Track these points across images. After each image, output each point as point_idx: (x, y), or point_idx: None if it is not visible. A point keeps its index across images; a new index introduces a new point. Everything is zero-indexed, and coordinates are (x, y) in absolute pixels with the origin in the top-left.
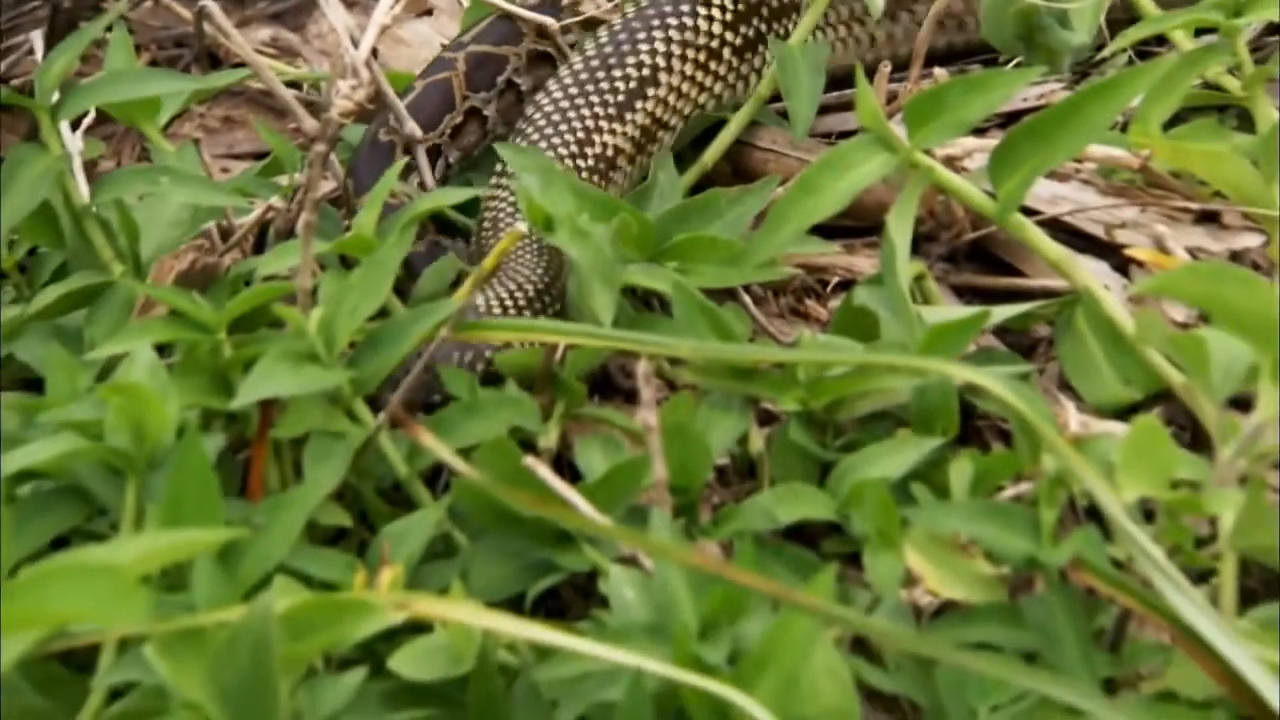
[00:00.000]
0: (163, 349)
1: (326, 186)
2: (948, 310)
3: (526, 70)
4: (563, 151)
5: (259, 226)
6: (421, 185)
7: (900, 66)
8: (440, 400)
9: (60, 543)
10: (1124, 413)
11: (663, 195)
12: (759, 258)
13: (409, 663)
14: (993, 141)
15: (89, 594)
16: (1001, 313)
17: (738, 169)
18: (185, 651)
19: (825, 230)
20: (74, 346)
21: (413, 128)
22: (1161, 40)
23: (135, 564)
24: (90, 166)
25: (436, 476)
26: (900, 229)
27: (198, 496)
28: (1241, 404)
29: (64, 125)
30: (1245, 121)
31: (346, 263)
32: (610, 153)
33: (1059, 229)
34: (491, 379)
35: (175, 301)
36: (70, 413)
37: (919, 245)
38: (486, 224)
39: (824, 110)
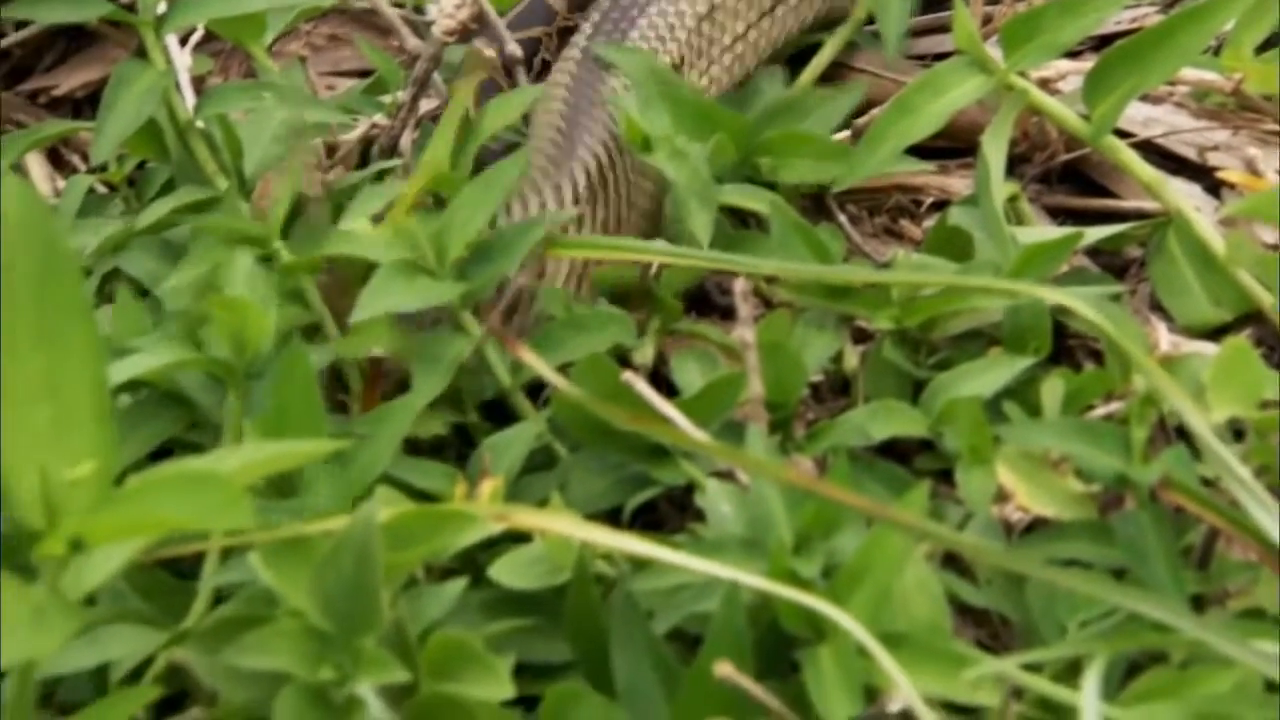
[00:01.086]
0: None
1: (429, 104)
2: (1041, 231)
3: None
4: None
5: (363, 143)
6: None
7: None
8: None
9: (160, 452)
10: (1214, 333)
11: (762, 99)
12: (856, 176)
13: (508, 572)
14: (1087, 64)
15: (195, 501)
16: (1094, 234)
17: None
18: (289, 559)
19: (920, 151)
20: (180, 259)
21: (514, 48)
22: None
23: (240, 473)
24: (198, 83)
25: (534, 392)
26: (995, 150)
27: (301, 407)
28: None
29: (172, 41)
30: None
31: None
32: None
33: (1151, 151)
34: None
35: (223, 216)
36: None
37: (1013, 166)
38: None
39: (920, 32)
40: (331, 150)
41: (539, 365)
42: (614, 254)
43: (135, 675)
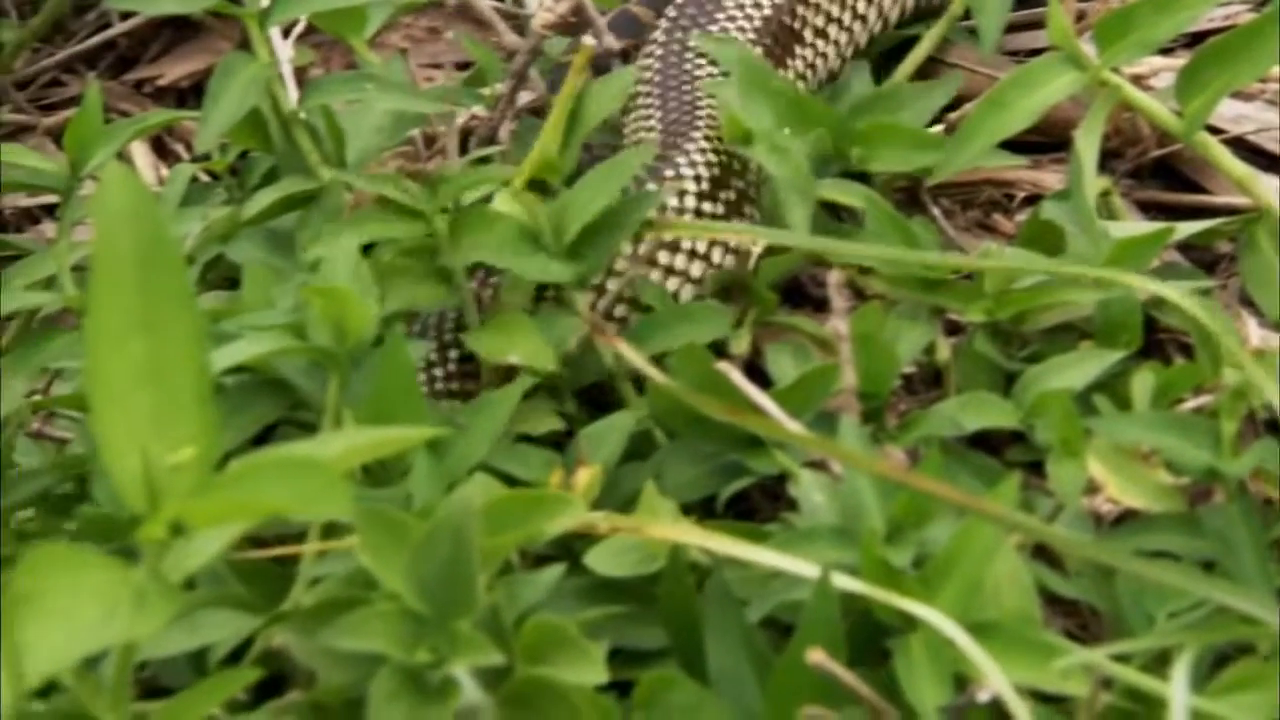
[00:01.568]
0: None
1: (527, 96)
2: (1133, 225)
3: None
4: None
5: (462, 134)
6: None
7: None
8: None
9: (263, 434)
10: None
11: (852, 94)
12: (949, 170)
13: (603, 560)
14: (1179, 61)
15: (295, 487)
16: (1185, 229)
17: None
18: (387, 543)
19: (1013, 145)
20: (285, 249)
21: (611, 42)
22: None
23: (340, 459)
24: (300, 74)
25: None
26: (1088, 145)
27: (400, 394)
28: None
29: (275, 34)
30: None
31: None
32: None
33: (1242, 147)
34: None
35: (393, 192)
36: (272, 314)
37: (1105, 161)
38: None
39: (1014, 28)
40: (431, 141)
41: (634, 357)
42: (718, 233)
43: (234, 658)
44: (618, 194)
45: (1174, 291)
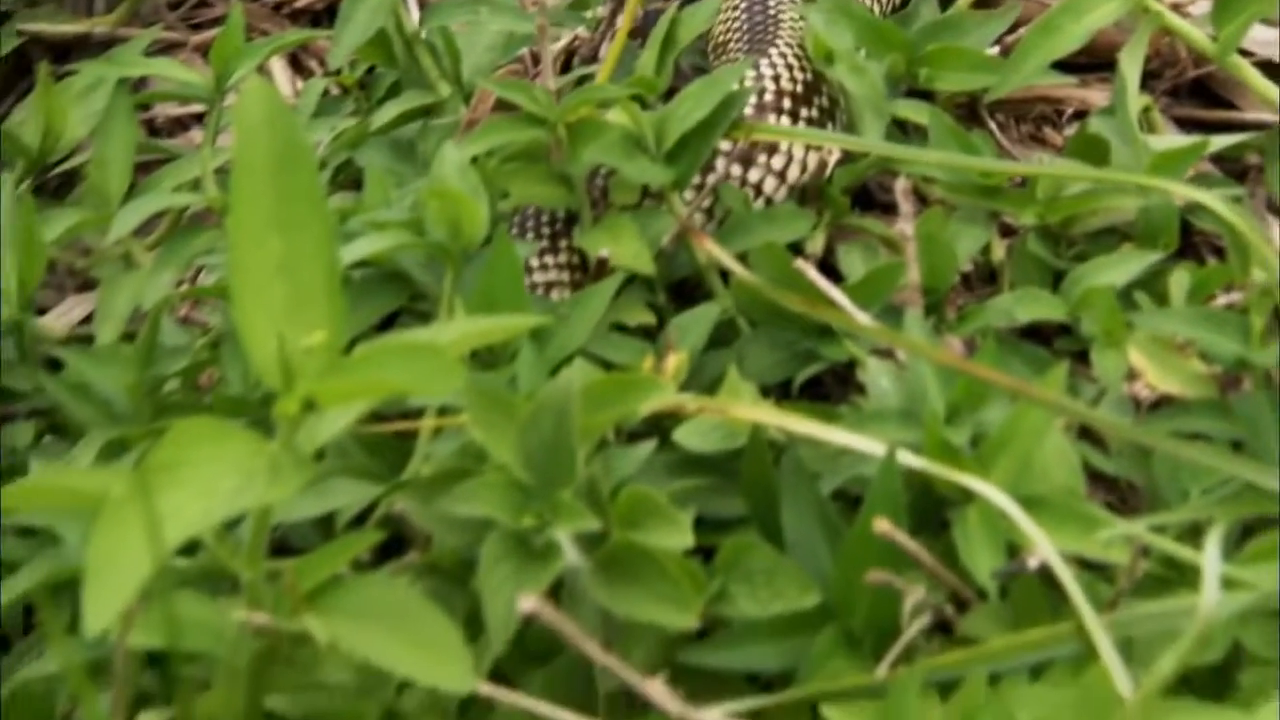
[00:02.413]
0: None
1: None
2: (1171, 139)
3: None
4: None
5: (566, 54)
6: None
7: None
8: None
9: (386, 321)
10: None
11: (921, 20)
12: (1005, 88)
13: (691, 436)
14: None
15: (414, 369)
16: (1218, 142)
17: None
18: (497, 420)
19: (1063, 66)
20: (406, 156)
21: None
22: None
23: (455, 344)
24: None
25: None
26: (1131, 66)
27: (507, 287)
28: None
29: None
30: None
31: None
32: None
33: (1271, 69)
34: None
35: (525, 100)
36: (394, 213)
37: (1146, 81)
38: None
39: None
40: (537, 59)
41: (721, 254)
42: (796, 138)
43: (358, 522)
44: (714, 107)
45: (1208, 197)
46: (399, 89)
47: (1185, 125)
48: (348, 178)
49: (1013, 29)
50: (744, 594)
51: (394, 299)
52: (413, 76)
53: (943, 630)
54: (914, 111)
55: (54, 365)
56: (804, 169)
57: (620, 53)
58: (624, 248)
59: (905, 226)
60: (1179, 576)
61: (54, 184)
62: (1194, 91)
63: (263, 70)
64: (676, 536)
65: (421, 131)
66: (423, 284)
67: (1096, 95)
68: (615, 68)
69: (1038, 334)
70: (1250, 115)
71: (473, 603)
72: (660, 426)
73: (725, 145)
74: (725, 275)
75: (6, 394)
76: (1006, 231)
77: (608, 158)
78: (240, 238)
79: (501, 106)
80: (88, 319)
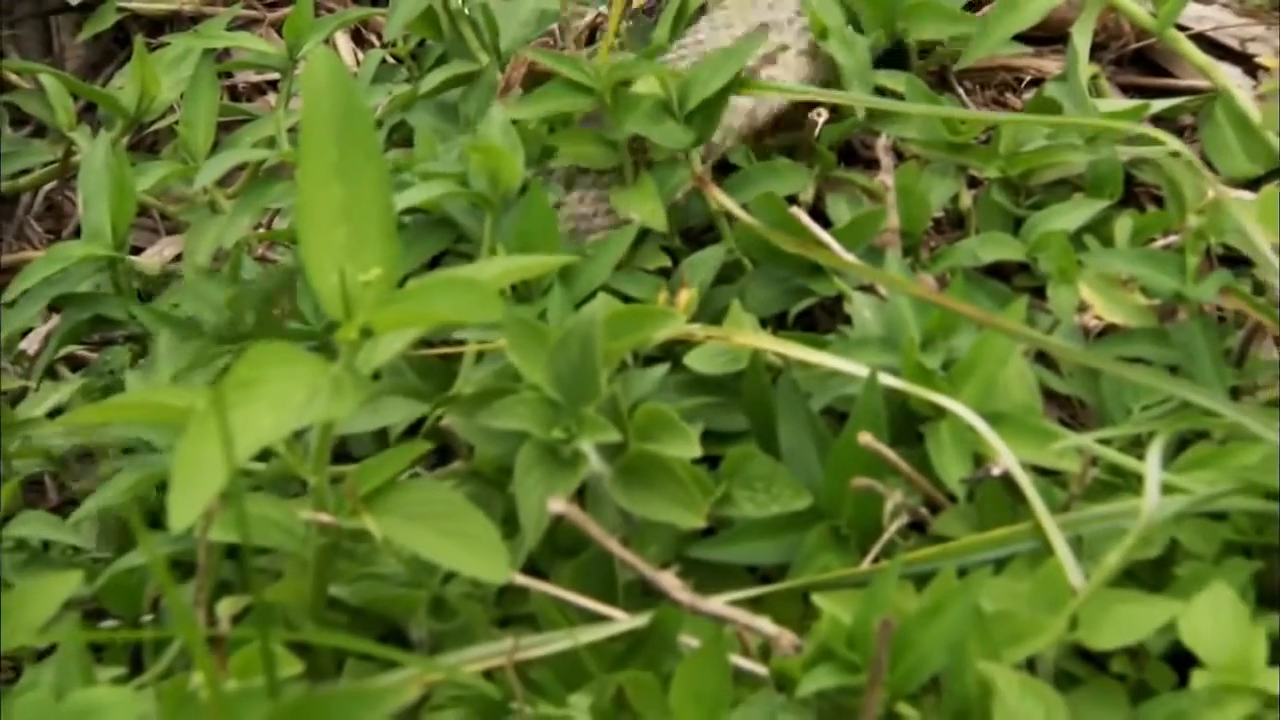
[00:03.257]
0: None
1: None
2: (1116, 102)
3: None
4: None
5: (589, 30)
6: None
7: None
8: None
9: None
10: (1250, 184)
11: None
12: (972, 57)
13: (700, 360)
14: None
15: (459, 300)
16: (1157, 105)
17: None
18: (530, 345)
19: (1022, 38)
20: (451, 117)
21: None
22: None
23: (494, 280)
24: None
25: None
26: (1081, 39)
27: (541, 230)
28: None
29: None
30: None
31: None
32: None
33: (1203, 42)
34: None
35: (568, 70)
36: (441, 166)
37: (1094, 52)
38: None
39: None
40: (563, 32)
41: (726, 201)
42: (790, 95)
43: (409, 434)
44: (732, 75)
45: (1149, 152)
46: (445, 58)
47: (1129, 91)
48: (401, 136)
49: (978, 6)
50: (745, 497)
51: (441, 241)
52: (457, 48)
53: (918, 529)
54: (893, 81)
55: (146, 298)
56: None
57: (619, 25)
58: (645, 207)
59: (886, 178)
60: (1124, 483)
61: (148, 141)
62: (1136, 61)
63: (328, 42)
64: (686, 447)
65: (464, 95)
66: (466, 228)
67: (1051, 64)
68: (634, 41)
69: (1000, 272)
70: (1185, 82)
71: (509, 505)
72: (672, 353)
73: None
74: (731, 220)
75: (105, 322)
76: (973, 183)
77: (643, 124)
78: (307, 186)
79: (532, 74)
80: (177, 258)
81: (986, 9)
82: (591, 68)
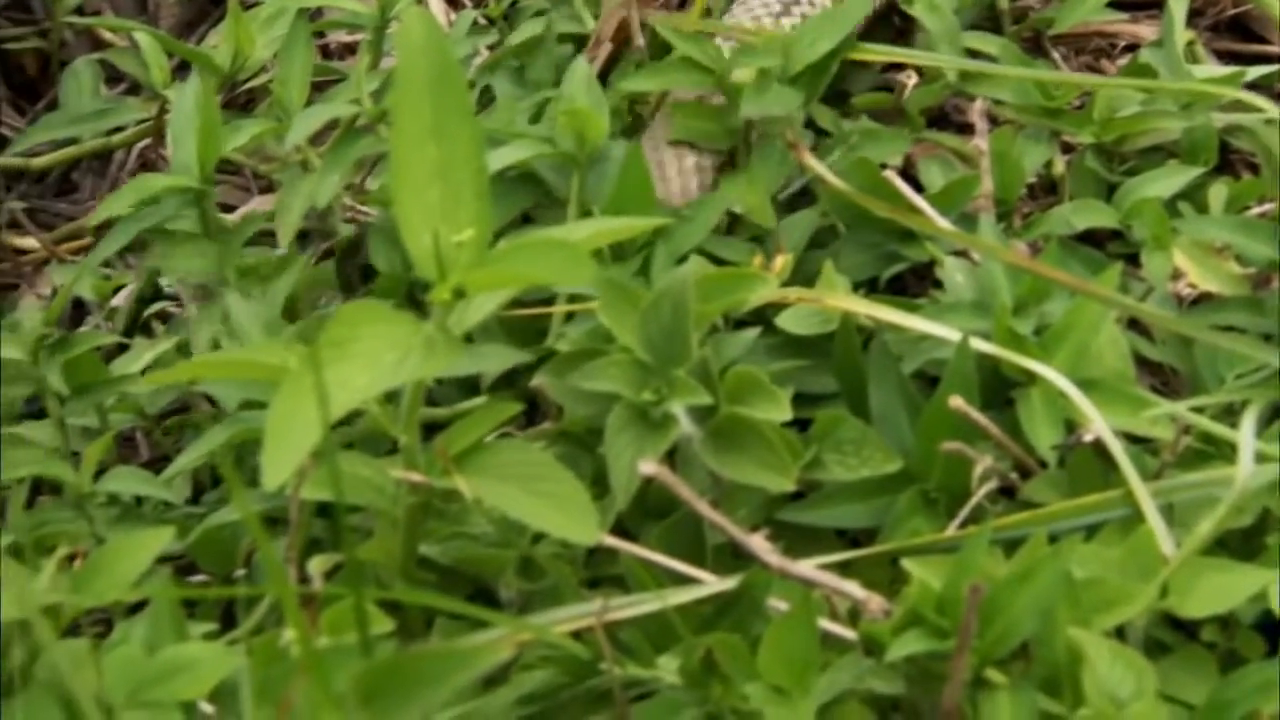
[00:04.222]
0: None
1: None
2: (1211, 68)
3: None
4: None
5: None
6: None
7: None
8: None
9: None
10: None
11: None
12: (1067, 23)
13: (791, 321)
14: None
15: (551, 262)
16: (1254, 71)
17: None
18: (622, 306)
19: (1117, 4)
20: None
21: None
22: None
23: (585, 241)
24: None
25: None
26: (1178, 4)
27: (637, 192)
28: None
29: None
30: None
31: None
32: None
33: None
34: None
35: (697, 53)
36: (532, 129)
37: (1190, 18)
38: None
39: None
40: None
41: (821, 168)
42: (888, 58)
43: (496, 390)
44: (840, 38)
45: (1246, 119)
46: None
47: (1224, 57)
48: (485, 101)
49: None
50: (835, 460)
51: (529, 198)
52: (558, 8)
53: (1007, 495)
54: (984, 43)
55: None
56: None
57: None
58: (752, 200)
59: (980, 143)
60: (1216, 451)
61: (241, 99)
62: (1232, 27)
63: (420, 3)
64: (777, 410)
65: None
66: (552, 185)
67: (1146, 30)
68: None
69: (1093, 239)
70: None
71: (599, 466)
72: (765, 315)
73: None
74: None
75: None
76: (1067, 149)
77: (751, 99)
78: (401, 146)
79: (620, 32)
80: (269, 216)
81: None
82: (712, 47)
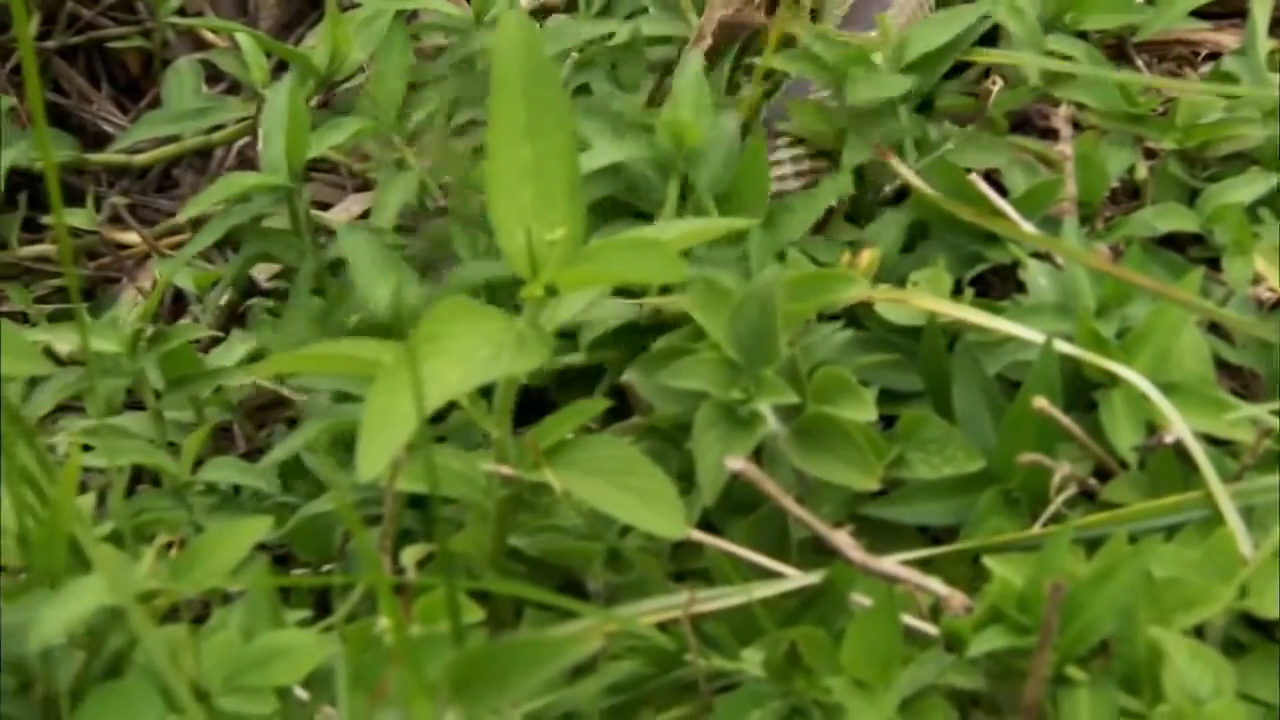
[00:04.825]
0: None
1: None
2: None
3: None
4: None
5: None
6: None
7: None
8: None
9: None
10: None
11: None
12: (1151, 29)
13: (887, 310)
14: None
15: (642, 261)
16: None
17: None
18: (712, 303)
19: (1200, 13)
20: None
21: None
22: None
23: (676, 240)
24: None
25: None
26: (1261, 13)
27: (753, 186)
28: None
29: None
30: None
31: None
32: None
33: None
34: None
35: (810, 40)
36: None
37: (1273, 27)
38: None
39: None
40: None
41: (907, 173)
42: (974, 58)
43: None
44: (955, 33)
45: None
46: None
47: None
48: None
49: None
50: (918, 459)
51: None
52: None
53: (1087, 498)
54: (1068, 46)
55: None
56: None
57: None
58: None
59: (1065, 148)
60: None
61: (338, 100)
62: None
63: (513, 6)
64: (862, 410)
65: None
66: (651, 184)
67: (1228, 39)
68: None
69: (1174, 243)
70: None
71: (686, 462)
72: (853, 314)
73: None
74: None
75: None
76: (1149, 154)
77: (857, 90)
78: (497, 145)
79: (724, 26)
80: (365, 214)
81: None
82: (827, 40)
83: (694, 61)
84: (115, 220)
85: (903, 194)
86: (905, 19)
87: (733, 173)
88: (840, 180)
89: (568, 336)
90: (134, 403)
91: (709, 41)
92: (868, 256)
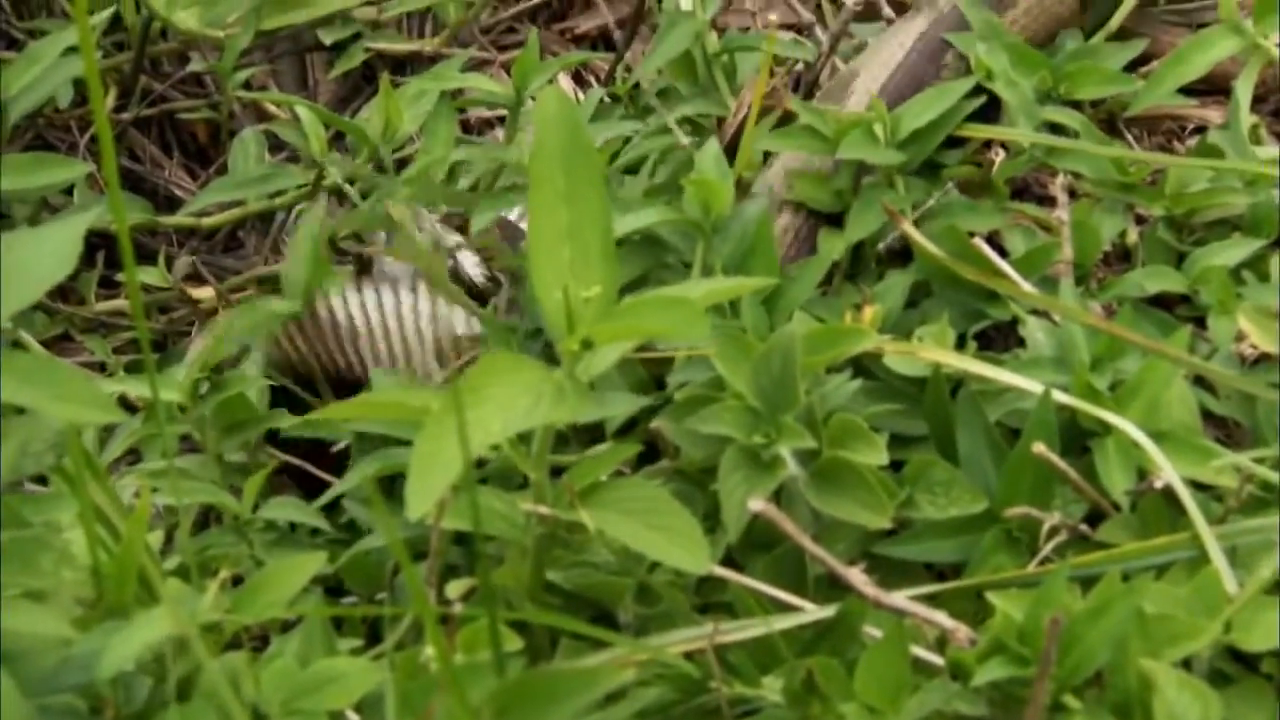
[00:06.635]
0: None
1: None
2: (1273, 150)
3: None
4: None
5: (795, 76)
6: None
7: None
8: None
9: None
10: None
11: (1065, 48)
12: (1142, 105)
13: (896, 361)
14: None
15: (670, 317)
16: None
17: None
18: (735, 356)
19: (1186, 90)
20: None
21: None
22: None
23: (702, 298)
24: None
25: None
26: (1244, 91)
27: (762, 257)
28: None
29: None
30: None
31: None
32: None
33: None
34: None
35: (816, 121)
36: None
37: (1254, 104)
38: None
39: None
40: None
41: (915, 233)
42: (974, 133)
43: (621, 437)
44: (942, 112)
45: None
46: (667, 96)
47: None
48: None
49: (1145, 61)
50: (926, 500)
51: (653, 259)
52: (703, 87)
53: (1082, 539)
54: (1064, 117)
55: None
56: None
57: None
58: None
59: (1061, 213)
60: (1276, 498)
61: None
62: None
63: (552, 82)
64: (874, 454)
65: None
66: (676, 247)
67: (1213, 114)
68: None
69: (1163, 303)
70: None
71: (711, 502)
72: (860, 364)
73: None
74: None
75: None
76: (1140, 220)
77: (852, 150)
78: (537, 210)
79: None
80: None
81: (1150, 66)
82: (830, 117)
83: (713, 146)
84: (191, 277)
85: (895, 252)
86: (886, 74)
87: (747, 245)
88: (836, 244)
89: None
90: (190, 446)
91: (737, 122)
92: (869, 313)
